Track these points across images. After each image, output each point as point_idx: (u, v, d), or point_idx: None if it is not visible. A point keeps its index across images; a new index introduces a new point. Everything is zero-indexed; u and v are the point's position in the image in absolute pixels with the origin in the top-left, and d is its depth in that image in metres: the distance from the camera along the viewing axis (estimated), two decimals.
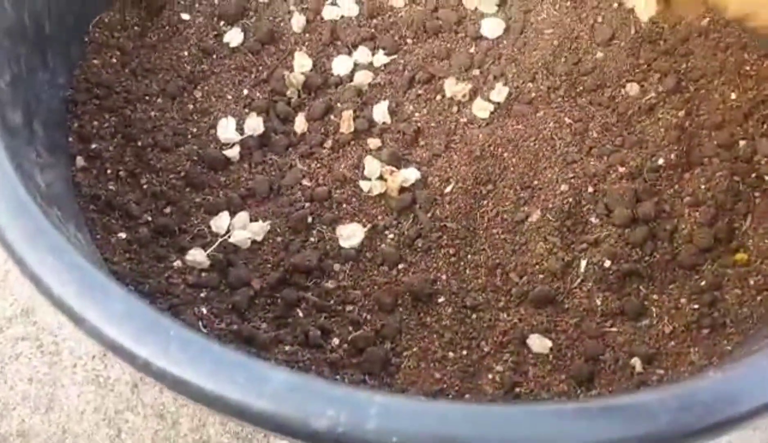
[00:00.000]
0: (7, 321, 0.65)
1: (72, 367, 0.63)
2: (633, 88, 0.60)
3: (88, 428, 0.61)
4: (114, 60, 0.58)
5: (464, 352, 0.48)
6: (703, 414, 0.32)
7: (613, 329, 0.49)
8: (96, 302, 0.34)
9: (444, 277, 0.51)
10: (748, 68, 0.61)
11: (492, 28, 0.62)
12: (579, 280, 0.51)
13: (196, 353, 0.33)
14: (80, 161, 0.52)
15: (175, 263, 0.49)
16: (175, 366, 0.33)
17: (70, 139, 0.53)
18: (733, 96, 0.60)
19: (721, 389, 0.33)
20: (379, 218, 0.53)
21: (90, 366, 0.63)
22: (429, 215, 0.53)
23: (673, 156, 0.56)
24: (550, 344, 0.48)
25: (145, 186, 0.53)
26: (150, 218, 0.51)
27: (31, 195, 0.39)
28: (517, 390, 0.46)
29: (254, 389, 0.32)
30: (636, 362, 0.47)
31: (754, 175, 0.56)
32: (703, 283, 0.51)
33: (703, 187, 0.55)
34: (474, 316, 0.49)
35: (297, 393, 0.32)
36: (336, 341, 0.47)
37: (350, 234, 0.52)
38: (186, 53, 0.60)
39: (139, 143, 0.54)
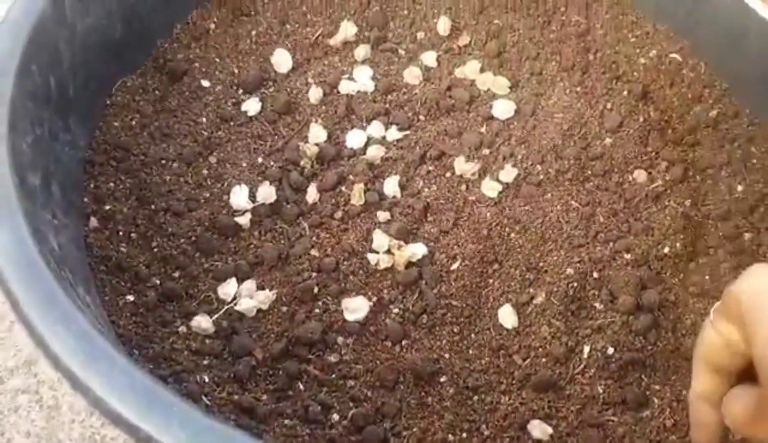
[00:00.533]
0: (8, 372, 0.65)
1: (70, 423, 0.63)
2: (641, 175, 0.61)
3: None
4: (133, 122, 0.60)
5: (464, 435, 0.47)
6: None
7: (614, 418, 0.48)
8: (101, 374, 0.35)
9: (447, 356, 0.51)
10: (755, 161, 0.62)
11: (503, 109, 0.64)
12: (582, 366, 0.51)
13: (198, 430, 0.33)
14: (94, 221, 0.53)
15: (180, 329, 0.49)
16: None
17: (86, 199, 0.53)
18: (740, 188, 0.61)
19: None
20: (385, 292, 0.54)
21: (88, 422, 0.63)
22: (435, 291, 0.54)
23: (678, 245, 0.57)
24: (550, 430, 0.47)
25: (155, 249, 0.53)
26: (158, 282, 0.51)
27: (45, 260, 0.39)
28: None
29: None
30: None
31: None
32: None
33: (707, 277, 0.56)
34: (475, 398, 0.49)
35: None
36: (336, 417, 0.47)
37: (356, 308, 0.52)
38: (204, 119, 0.62)
39: (153, 206, 0.55)
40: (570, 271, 0.55)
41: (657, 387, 0.50)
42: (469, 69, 0.66)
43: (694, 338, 0.52)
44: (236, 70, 0.65)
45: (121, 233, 0.53)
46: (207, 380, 0.47)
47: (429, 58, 0.67)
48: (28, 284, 0.37)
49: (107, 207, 0.54)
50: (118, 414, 0.34)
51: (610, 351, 0.51)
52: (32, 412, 0.63)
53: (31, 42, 0.49)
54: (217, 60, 0.66)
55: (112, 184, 0.55)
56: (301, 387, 0.48)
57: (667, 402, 0.49)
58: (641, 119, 0.64)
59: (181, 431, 0.33)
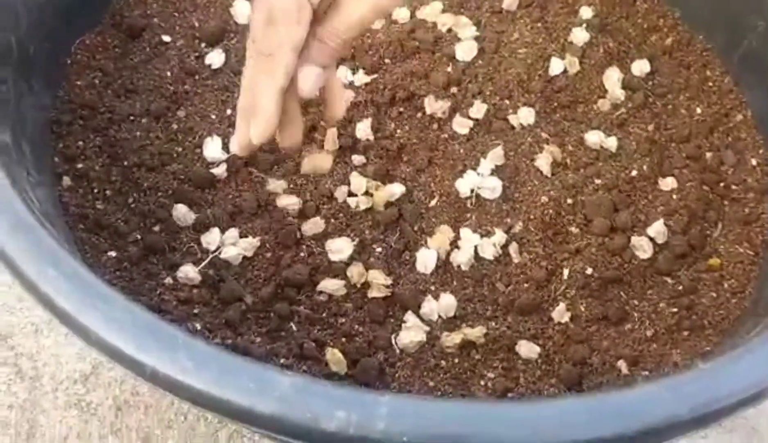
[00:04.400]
0: None
1: (53, 392, 0.62)
2: (604, 104, 0.63)
3: None
4: (96, 81, 0.59)
5: (456, 360, 0.49)
6: (695, 405, 0.34)
7: (598, 333, 0.50)
8: (100, 312, 0.34)
9: (432, 288, 0.52)
10: (711, 84, 0.64)
11: (467, 49, 0.64)
12: (563, 288, 0.52)
13: (204, 359, 0.33)
14: (67, 180, 0.52)
15: (166, 280, 0.49)
16: (184, 373, 0.33)
17: (56, 159, 0.53)
18: (699, 110, 0.63)
19: (711, 381, 0.35)
20: (367, 232, 0.54)
21: (72, 390, 0.62)
22: (415, 228, 0.55)
23: (645, 167, 0.59)
24: (538, 349, 0.49)
25: (132, 205, 0.53)
26: (139, 237, 0.51)
27: (29, 209, 0.39)
28: (510, 394, 0.47)
29: (263, 393, 0.32)
30: (622, 364, 0.49)
31: (721, 184, 0.59)
32: (680, 288, 0.53)
33: (675, 196, 0.58)
34: (464, 326, 0.50)
35: (305, 395, 0.32)
36: (330, 352, 0.48)
37: (339, 248, 0.52)
38: (168, 74, 0.61)
39: (125, 163, 0.55)
40: (544, 199, 0.56)
41: (635, 302, 0.52)
42: (431, 10, 0.67)
43: (666, 254, 0.54)
44: (197, 24, 0.64)
45: (96, 191, 0.53)
46: (199, 327, 0.47)
47: None
48: (14, 229, 0.37)
49: (79, 166, 0.53)
50: (120, 350, 0.34)
51: (589, 271, 0.53)
52: (13, 385, 0.63)
53: None
54: (176, 14, 0.65)
55: (81, 142, 0.54)
56: (294, 327, 0.49)
57: (646, 314, 0.52)
58: (601, 50, 0.65)
59: (188, 361, 0.33)
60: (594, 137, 0.60)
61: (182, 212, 0.53)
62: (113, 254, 0.49)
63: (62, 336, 0.64)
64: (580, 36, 0.66)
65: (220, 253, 0.51)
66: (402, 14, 0.67)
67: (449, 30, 0.66)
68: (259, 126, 0.40)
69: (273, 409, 0.32)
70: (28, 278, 0.35)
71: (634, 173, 0.59)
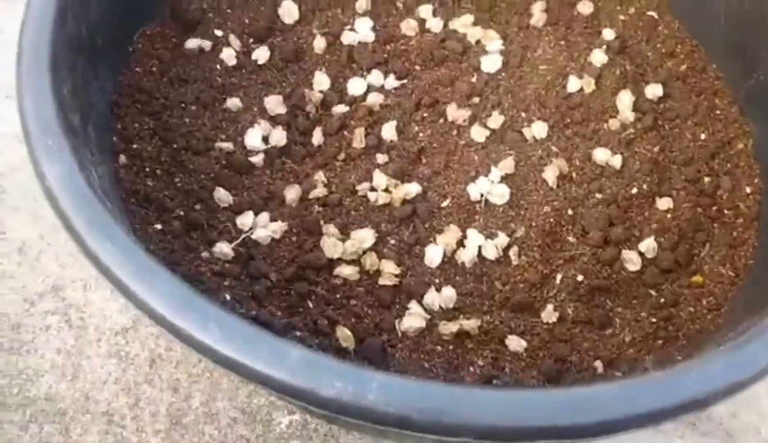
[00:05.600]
0: (39, 297, 0.71)
1: (96, 341, 0.69)
2: (615, 124, 0.67)
3: (109, 396, 0.67)
4: (154, 69, 0.65)
5: (451, 347, 0.55)
6: (645, 402, 0.39)
7: (581, 335, 0.56)
8: (146, 283, 0.41)
9: (437, 281, 0.58)
10: (718, 112, 0.68)
11: (492, 62, 0.70)
12: (554, 291, 0.58)
13: (230, 330, 0.40)
14: (123, 159, 0.59)
15: (203, 254, 0.56)
16: (213, 340, 0.40)
17: (115, 139, 0.59)
18: (703, 136, 0.67)
19: (661, 384, 0.40)
20: (383, 225, 0.60)
21: (113, 341, 0.69)
22: (427, 225, 0.61)
23: (645, 186, 0.64)
24: (525, 344, 0.55)
25: (179, 184, 0.60)
26: (182, 213, 0.58)
27: (92, 189, 0.46)
28: (494, 381, 0.53)
29: (276, 362, 0.39)
30: (598, 364, 0.55)
31: (715, 208, 0.63)
32: (662, 300, 0.58)
33: (669, 216, 0.63)
34: (461, 316, 0.56)
35: (311, 367, 0.39)
36: (340, 330, 0.54)
37: (362, 238, 0.58)
38: (218, 66, 0.67)
39: (175, 146, 0.61)
40: (547, 209, 0.62)
41: (619, 310, 0.58)
42: (462, 22, 0.72)
43: (654, 268, 0.60)
44: (246, 20, 0.70)
45: (147, 169, 0.59)
46: (228, 298, 0.54)
47: (425, 10, 0.73)
48: (80, 208, 0.44)
49: (134, 146, 0.60)
50: (162, 315, 0.40)
51: (580, 278, 0.59)
52: (62, 332, 0.70)
53: None
54: (229, 11, 0.71)
55: (137, 125, 0.61)
56: (311, 304, 0.55)
57: (627, 322, 0.57)
58: (618, 72, 0.70)
59: (217, 329, 0.40)
60: (601, 154, 0.65)
61: (222, 194, 0.60)
62: (159, 226, 0.56)
63: (107, 291, 0.72)
64: (599, 57, 0.71)
65: (252, 234, 0.58)
66: (435, 24, 0.72)
67: (478, 42, 0.72)
68: None
69: (283, 376, 0.39)
70: (91, 250, 0.42)
71: (634, 190, 0.64)
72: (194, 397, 0.67)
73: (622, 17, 0.74)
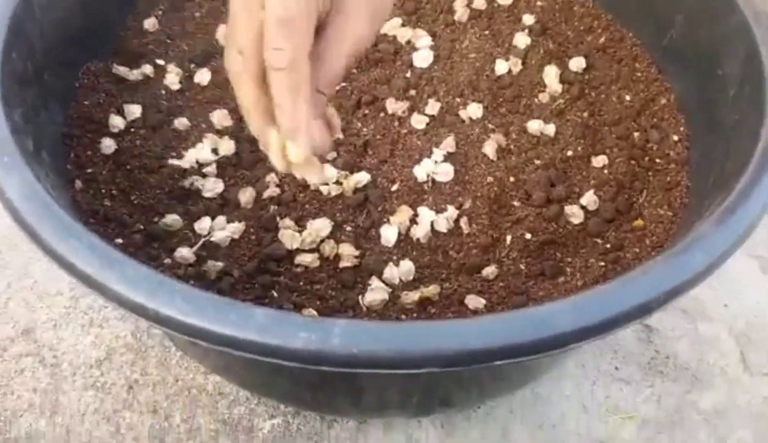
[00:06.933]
0: (10, 341, 0.72)
1: (72, 376, 0.70)
2: (544, 97, 0.72)
3: (90, 427, 0.67)
4: (101, 101, 0.68)
5: (414, 314, 0.57)
6: (596, 313, 0.42)
7: (535, 286, 0.59)
8: (114, 271, 0.43)
9: (395, 257, 0.61)
10: (639, 75, 0.73)
11: (423, 57, 0.74)
12: (506, 251, 0.61)
13: (197, 301, 0.42)
14: (79, 183, 0.61)
15: (165, 261, 0.58)
16: (181, 313, 0.41)
17: (68, 166, 0.62)
18: (628, 98, 0.72)
19: (608, 295, 0.43)
20: (338, 214, 0.63)
21: (88, 374, 0.70)
22: (380, 209, 0.63)
23: (580, 148, 0.68)
24: (483, 301, 0.57)
25: (135, 202, 0.62)
26: (142, 227, 0.60)
27: (53, 199, 0.47)
28: None
29: (243, 324, 0.41)
30: None
31: (647, 159, 0.67)
32: (608, 246, 0.61)
33: (606, 171, 0.66)
34: (421, 286, 0.59)
35: (276, 323, 0.41)
36: (307, 312, 0.56)
37: (319, 228, 0.61)
38: (163, 92, 0.70)
39: (128, 167, 0.64)
40: (491, 179, 0.65)
41: (569, 259, 0.61)
42: (391, 24, 0.76)
43: (597, 219, 0.63)
44: (186, 48, 0.74)
45: (103, 191, 0.61)
46: None
47: None
48: (41, 213, 0.45)
49: (89, 171, 0.62)
50: (130, 299, 0.42)
51: (528, 236, 0.61)
52: (36, 372, 0.70)
53: (9, 32, 0.57)
54: (168, 41, 0.74)
55: (90, 152, 0.63)
56: (276, 294, 0.57)
57: (578, 269, 0.60)
58: (541, 51, 0.74)
59: (185, 304, 0.41)
60: (534, 125, 0.69)
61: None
62: (120, 240, 0.58)
63: (79, 327, 0.73)
64: (522, 40, 0.75)
65: (211, 237, 0.60)
66: None
67: (408, 41, 0.76)
68: (303, 141, 0.43)
69: (251, 336, 0.41)
70: (56, 250, 0.44)
71: (569, 153, 0.67)
72: (174, 416, 0.68)
73: (540, 3, 0.79)
